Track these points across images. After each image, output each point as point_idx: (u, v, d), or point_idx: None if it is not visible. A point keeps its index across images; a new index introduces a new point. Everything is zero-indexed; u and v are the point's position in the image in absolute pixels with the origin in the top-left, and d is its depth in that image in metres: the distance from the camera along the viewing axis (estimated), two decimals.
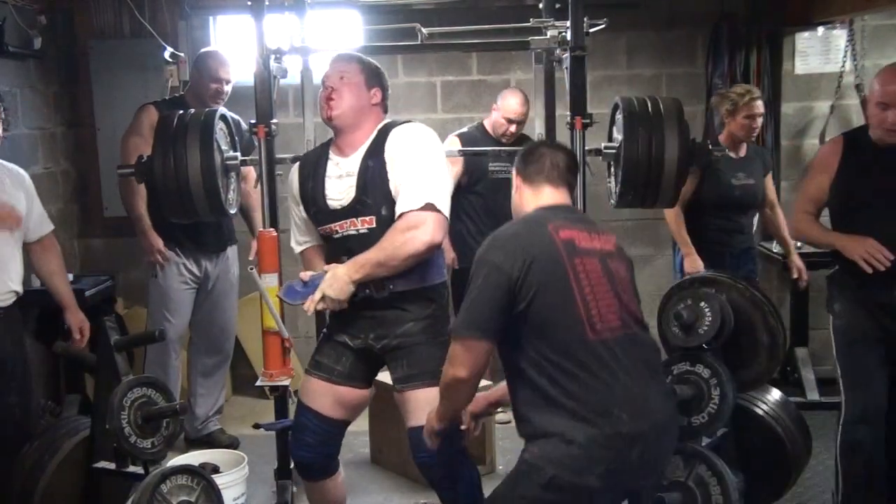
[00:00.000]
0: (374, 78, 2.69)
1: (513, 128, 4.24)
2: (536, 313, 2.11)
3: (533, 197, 2.35)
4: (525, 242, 2.15)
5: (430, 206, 2.47)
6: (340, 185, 2.61)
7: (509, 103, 4.22)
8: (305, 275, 2.61)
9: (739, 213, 4.09)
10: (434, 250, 2.55)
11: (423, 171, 2.52)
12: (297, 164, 2.85)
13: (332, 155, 2.69)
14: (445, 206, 2.52)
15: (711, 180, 3.96)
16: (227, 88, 3.99)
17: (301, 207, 2.75)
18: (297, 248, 2.86)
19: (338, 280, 2.51)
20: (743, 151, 4.09)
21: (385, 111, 2.74)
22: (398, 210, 2.50)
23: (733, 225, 4.08)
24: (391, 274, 2.53)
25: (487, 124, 4.36)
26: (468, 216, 4.31)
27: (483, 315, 2.13)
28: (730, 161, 3.99)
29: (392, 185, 2.54)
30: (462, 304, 2.18)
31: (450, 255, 4.19)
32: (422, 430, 2.56)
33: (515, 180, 2.40)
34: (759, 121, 4.00)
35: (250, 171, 3.63)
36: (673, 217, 4.01)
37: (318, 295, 2.51)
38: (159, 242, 4.01)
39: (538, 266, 2.10)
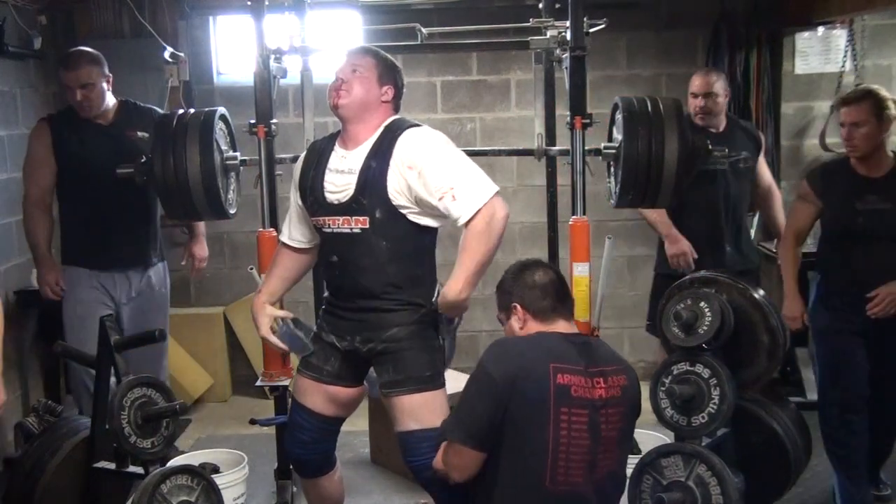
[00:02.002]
0: (388, 75, 2.65)
1: (699, 101, 3.87)
2: (508, 442, 2.15)
3: (547, 329, 2.31)
4: (521, 366, 2.16)
5: (497, 196, 2.48)
6: (340, 180, 2.58)
7: (692, 81, 3.96)
8: (279, 314, 2.75)
9: (875, 246, 3.19)
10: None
11: (467, 168, 2.51)
12: (306, 150, 2.82)
13: (337, 147, 2.66)
14: (497, 187, 2.52)
15: (832, 205, 3.29)
16: (89, 93, 3.62)
17: (298, 194, 2.73)
18: (284, 239, 2.83)
19: (455, 305, 2.52)
20: (883, 169, 3.22)
21: (396, 110, 2.69)
22: (467, 212, 2.45)
23: (870, 263, 3.19)
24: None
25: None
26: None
27: (475, 423, 2.19)
28: (858, 181, 3.23)
29: (406, 193, 2.51)
30: (457, 405, 2.25)
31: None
32: (411, 435, 2.57)
33: (522, 312, 2.33)
34: (854, 130, 3.15)
35: None
36: (782, 253, 3.48)
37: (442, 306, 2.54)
38: (54, 275, 3.63)
39: (524, 399, 2.13)
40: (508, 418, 2.13)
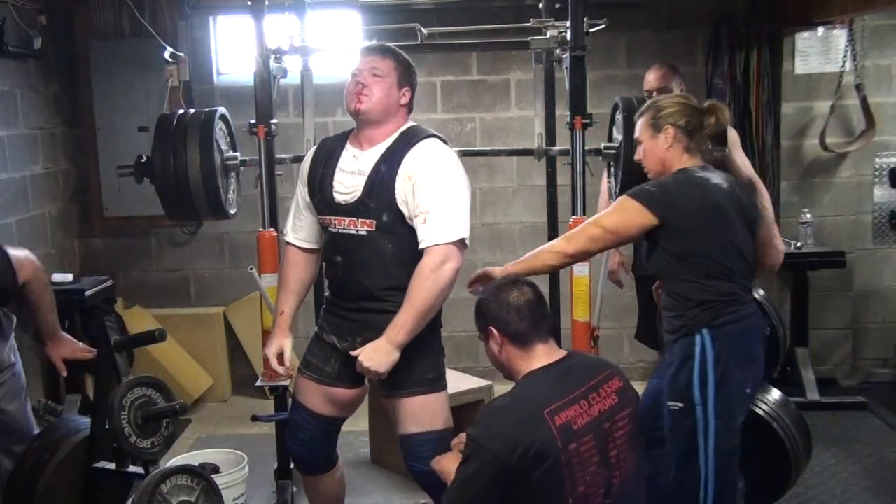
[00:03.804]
0: (406, 77, 2.61)
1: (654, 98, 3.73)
2: (525, 501, 2.08)
3: (524, 359, 2.22)
4: (522, 433, 2.05)
5: (459, 242, 2.45)
6: (350, 181, 2.56)
7: (645, 78, 3.92)
8: (287, 355, 2.68)
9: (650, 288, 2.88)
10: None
11: (451, 200, 2.47)
12: (316, 146, 2.78)
13: (349, 146, 2.63)
14: (467, 235, 2.49)
15: None
16: None
17: (307, 189, 2.70)
18: (289, 238, 2.78)
19: (379, 352, 2.41)
20: None
21: (410, 110, 2.66)
22: (425, 240, 2.44)
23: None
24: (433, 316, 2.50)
25: None
26: None
27: (479, 502, 2.10)
28: None
29: (407, 202, 2.49)
30: (457, 478, 2.13)
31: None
32: (412, 439, 2.56)
33: (498, 336, 2.23)
34: (638, 147, 2.71)
35: (28, 263, 2.83)
36: None
37: (358, 367, 2.44)
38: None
39: (536, 464, 2.04)
40: (522, 483, 2.06)
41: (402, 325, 2.42)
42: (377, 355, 2.41)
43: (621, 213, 2.54)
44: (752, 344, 2.53)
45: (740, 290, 2.53)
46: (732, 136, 3.84)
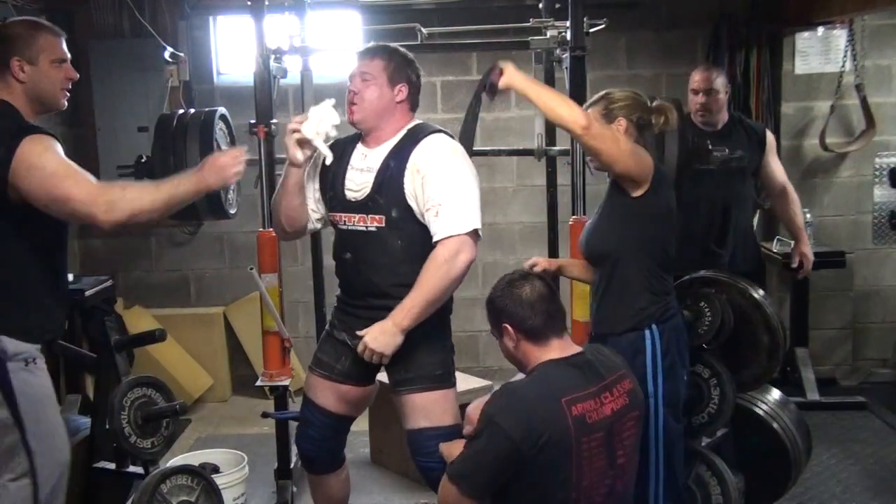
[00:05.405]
0: (400, 72, 2.62)
1: (700, 98, 3.73)
2: (530, 486, 2.08)
3: (541, 352, 2.20)
4: (539, 417, 2.04)
5: (473, 233, 2.46)
6: (360, 178, 2.58)
7: (692, 77, 3.83)
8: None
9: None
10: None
11: (462, 192, 2.48)
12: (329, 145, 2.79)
13: (359, 145, 2.66)
14: (479, 226, 2.49)
15: None
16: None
17: (318, 186, 2.72)
18: None
19: (385, 333, 2.42)
20: None
21: (413, 107, 2.66)
22: (438, 233, 2.44)
23: None
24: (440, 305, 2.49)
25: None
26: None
27: (483, 478, 2.10)
28: None
29: (417, 197, 2.50)
30: (466, 451, 2.14)
31: None
32: (420, 433, 2.57)
33: (513, 333, 2.21)
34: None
35: None
36: None
37: (360, 347, 2.44)
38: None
39: (547, 451, 2.03)
40: (529, 467, 2.06)
41: (409, 310, 2.42)
42: (383, 337, 2.42)
43: (639, 152, 2.47)
44: (684, 332, 2.64)
45: (673, 286, 2.63)
46: (770, 140, 3.85)
